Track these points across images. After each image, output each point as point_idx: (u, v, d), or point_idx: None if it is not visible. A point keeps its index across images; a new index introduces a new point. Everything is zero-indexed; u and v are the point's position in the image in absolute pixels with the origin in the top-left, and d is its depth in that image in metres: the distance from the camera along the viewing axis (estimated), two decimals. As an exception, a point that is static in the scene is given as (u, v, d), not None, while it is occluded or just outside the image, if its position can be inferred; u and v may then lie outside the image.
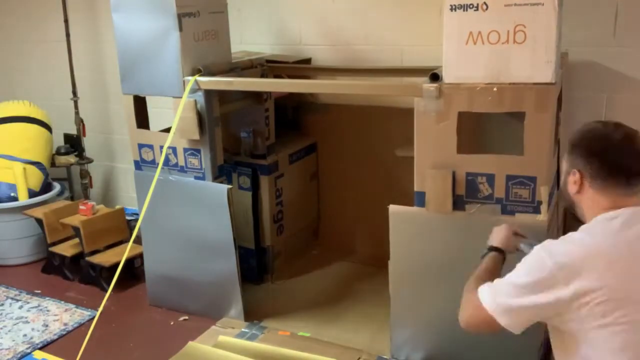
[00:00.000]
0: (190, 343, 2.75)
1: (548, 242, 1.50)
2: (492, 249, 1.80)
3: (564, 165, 1.63)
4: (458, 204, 2.33)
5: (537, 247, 1.50)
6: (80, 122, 4.16)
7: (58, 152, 4.18)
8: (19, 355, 2.78)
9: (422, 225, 2.40)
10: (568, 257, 1.42)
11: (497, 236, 1.85)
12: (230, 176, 3.22)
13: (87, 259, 3.42)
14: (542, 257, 1.45)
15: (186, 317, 3.04)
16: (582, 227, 1.53)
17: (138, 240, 3.04)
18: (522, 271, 1.49)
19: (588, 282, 1.38)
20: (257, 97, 3.16)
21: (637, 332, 1.39)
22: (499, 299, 1.50)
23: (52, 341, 2.90)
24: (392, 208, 2.44)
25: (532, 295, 1.44)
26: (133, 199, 3.56)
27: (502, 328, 1.49)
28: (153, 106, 3.12)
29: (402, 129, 2.54)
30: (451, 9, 2.18)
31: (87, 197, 4.21)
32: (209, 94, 2.74)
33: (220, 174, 2.89)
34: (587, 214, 1.56)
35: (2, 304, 3.27)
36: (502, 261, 1.77)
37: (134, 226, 2.90)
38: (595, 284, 1.38)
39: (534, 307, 1.45)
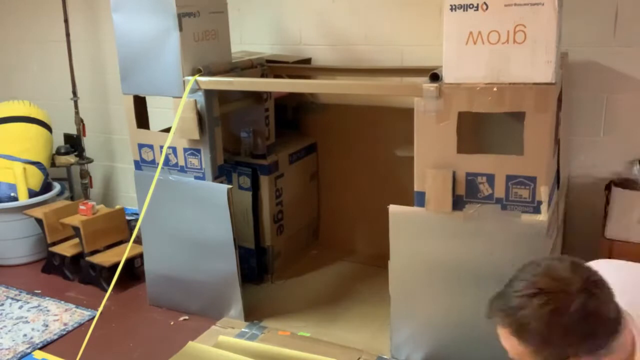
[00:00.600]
0: (190, 343, 2.75)
1: None
2: None
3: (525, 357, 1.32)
4: (458, 203, 2.33)
5: None
6: (80, 122, 4.16)
7: (58, 152, 4.18)
8: (19, 355, 2.78)
9: (422, 225, 2.40)
10: None
11: None
12: (230, 176, 3.22)
13: (87, 259, 3.42)
14: None
15: (186, 317, 3.04)
16: None
17: (138, 240, 3.04)
18: None
19: None
20: (257, 97, 3.17)
21: None
22: None
23: (52, 341, 2.90)
24: (392, 208, 2.44)
25: None
26: (133, 199, 3.57)
27: None
28: (153, 106, 3.12)
29: (402, 129, 2.54)
30: (451, 9, 2.18)
31: (87, 197, 4.21)
32: (209, 93, 2.74)
33: (220, 174, 2.89)
34: None
35: (2, 304, 3.27)
36: None
37: (134, 226, 2.90)
38: None
39: None
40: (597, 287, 1.27)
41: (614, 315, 1.28)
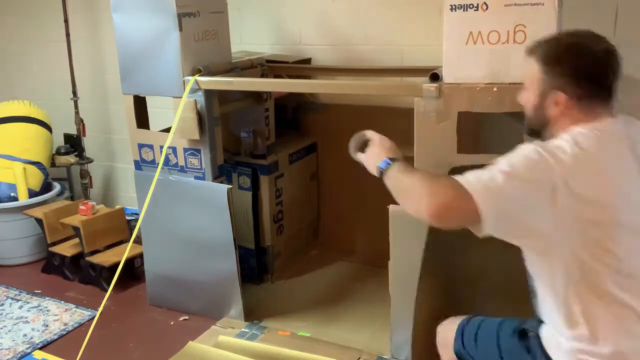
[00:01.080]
0: (190, 343, 2.75)
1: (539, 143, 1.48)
2: (392, 159, 1.72)
3: (537, 83, 1.57)
4: (458, 204, 2.32)
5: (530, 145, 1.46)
6: (80, 122, 4.16)
7: (58, 152, 4.18)
8: (19, 355, 2.78)
9: (421, 225, 2.40)
10: (563, 154, 1.41)
11: (384, 148, 1.80)
12: (230, 176, 3.22)
13: (87, 259, 3.42)
14: (535, 150, 1.43)
15: (186, 317, 3.04)
16: (566, 136, 1.48)
17: (138, 240, 3.04)
18: (513, 160, 1.43)
19: (575, 184, 1.37)
20: (257, 97, 3.17)
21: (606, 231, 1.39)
22: (484, 181, 1.40)
23: (52, 341, 2.90)
24: (392, 208, 2.44)
25: (519, 179, 1.39)
26: (133, 199, 3.57)
27: (473, 217, 1.39)
28: (153, 106, 3.12)
29: (402, 129, 2.54)
30: (451, 9, 2.18)
31: (87, 197, 4.21)
32: (209, 93, 2.74)
33: (220, 173, 2.89)
34: (560, 127, 1.55)
35: (2, 304, 3.27)
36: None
37: (134, 226, 2.90)
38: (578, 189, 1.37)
39: (520, 190, 1.38)
40: (613, 58, 1.58)
41: (607, 83, 1.56)
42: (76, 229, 3.45)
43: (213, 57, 2.84)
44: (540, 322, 1.62)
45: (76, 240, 3.53)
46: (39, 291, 3.41)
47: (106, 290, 2.76)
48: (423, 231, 2.41)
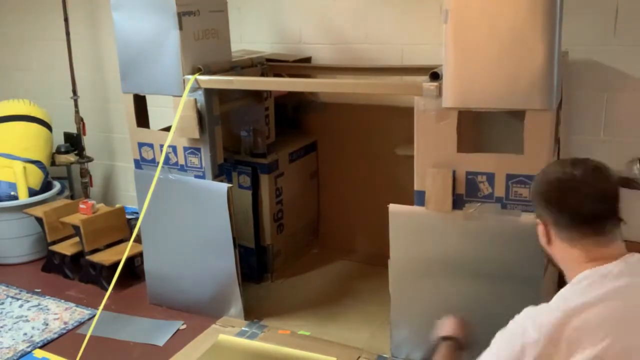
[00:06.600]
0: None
1: (521, 315, 1.36)
2: (444, 338, 1.77)
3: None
4: (458, 203, 2.33)
5: (515, 320, 1.36)
6: (80, 121, 4.15)
7: (58, 151, 4.18)
8: (19, 354, 2.78)
9: (422, 224, 2.40)
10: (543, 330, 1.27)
11: (446, 326, 1.82)
12: (230, 175, 3.23)
13: (87, 257, 3.42)
14: (515, 332, 1.32)
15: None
16: (563, 291, 1.37)
17: (138, 239, 3.04)
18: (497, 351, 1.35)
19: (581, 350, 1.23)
20: (257, 95, 3.16)
21: None
22: None
23: (52, 340, 2.90)
24: (392, 207, 2.44)
25: None
26: (133, 198, 3.56)
27: None
28: (153, 105, 3.12)
29: (402, 127, 2.54)
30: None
31: (87, 195, 4.21)
32: (209, 92, 2.74)
33: (220, 172, 2.89)
34: (564, 266, 1.46)
35: (3, 303, 3.28)
36: (455, 349, 1.75)
37: (134, 225, 2.90)
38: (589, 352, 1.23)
39: None
40: (587, 181, 1.42)
41: (587, 211, 1.38)
42: (76, 227, 3.45)
43: (213, 56, 2.83)
44: None
45: (76, 239, 3.53)
46: (39, 290, 3.41)
47: (106, 289, 2.76)
48: (423, 231, 2.41)
